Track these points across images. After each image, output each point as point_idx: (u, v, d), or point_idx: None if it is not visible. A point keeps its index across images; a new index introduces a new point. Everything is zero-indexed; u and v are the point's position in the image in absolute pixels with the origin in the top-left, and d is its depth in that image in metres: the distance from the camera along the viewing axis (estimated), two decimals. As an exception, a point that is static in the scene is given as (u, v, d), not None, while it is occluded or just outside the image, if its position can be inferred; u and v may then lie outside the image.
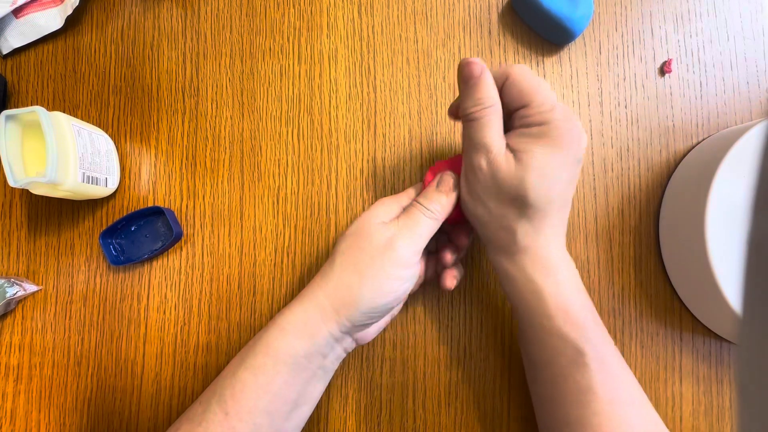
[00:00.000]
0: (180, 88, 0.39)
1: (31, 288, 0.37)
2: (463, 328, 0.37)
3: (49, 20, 0.38)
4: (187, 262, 0.37)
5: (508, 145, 0.28)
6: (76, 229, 0.38)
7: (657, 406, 0.36)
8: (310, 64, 0.39)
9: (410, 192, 0.33)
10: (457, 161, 0.32)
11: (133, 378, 0.37)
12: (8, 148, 0.31)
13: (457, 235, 0.34)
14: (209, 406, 0.28)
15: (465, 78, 0.28)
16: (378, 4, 0.39)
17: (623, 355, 0.36)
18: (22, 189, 0.36)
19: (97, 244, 0.37)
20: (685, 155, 0.38)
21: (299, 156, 0.38)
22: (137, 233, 0.38)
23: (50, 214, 0.38)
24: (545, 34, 0.38)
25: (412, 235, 0.29)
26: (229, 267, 0.37)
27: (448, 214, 0.31)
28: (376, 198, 0.38)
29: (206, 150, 0.38)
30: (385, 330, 0.36)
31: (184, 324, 0.37)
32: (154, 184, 0.38)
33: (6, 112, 0.31)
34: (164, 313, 0.37)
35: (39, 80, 0.39)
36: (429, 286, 0.37)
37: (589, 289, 0.35)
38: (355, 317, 0.28)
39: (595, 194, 0.38)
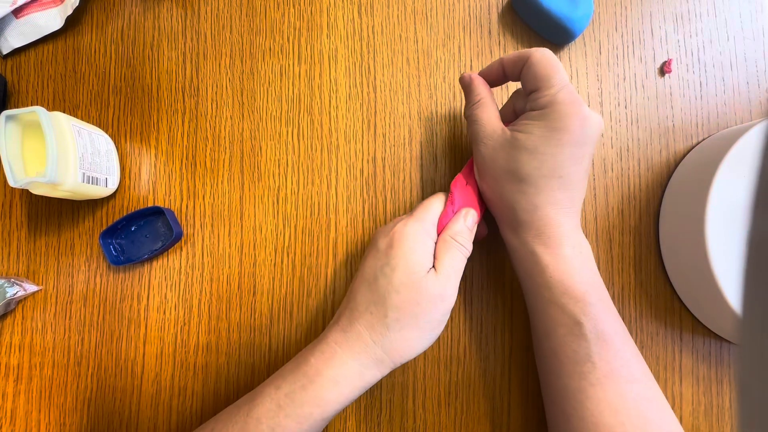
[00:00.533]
0: (180, 88, 0.39)
1: (31, 288, 0.37)
2: (463, 328, 0.37)
3: (49, 20, 0.38)
4: (187, 262, 0.37)
5: (511, 128, 0.30)
6: (76, 229, 0.38)
7: (657, 406, 0.36)
8: (310, 64, 0.39)
9: (431, 211, 0.32)
10: (469, 166, 0.34)
11: (133, 378, 0.37)
12: (8, 148, 0.31)
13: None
14: None
15: (463, 88, 0.34)
16: (378, 4, 0.39)
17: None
18: (22, 189, 0.36)
19: (97, 244, 0.37)
20: (685, 155, 0.38)
21: (299, 156, 0.38)
22: (137, 233, 0.38)
23: (50, 214, 0.38)
24: (545, 34, 0.38)
25: (457, 278, 0.30)
26: (229, 267, 0.37)
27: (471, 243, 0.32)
28: (376, 198, 0.38)
29: (206, 150, 0.38)
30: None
31: (184, 324, 0.37)
32: (154, 184, 0.38)
33: (6, 112, 0.31)
34: (164, 313, 0.37)
35: (39, 80, 0.39)
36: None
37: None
38: (408, 361, 0.30)
39: (595, 194, 0.38)
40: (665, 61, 0.39)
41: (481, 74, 0.34)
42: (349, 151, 0.38)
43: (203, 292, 0.37)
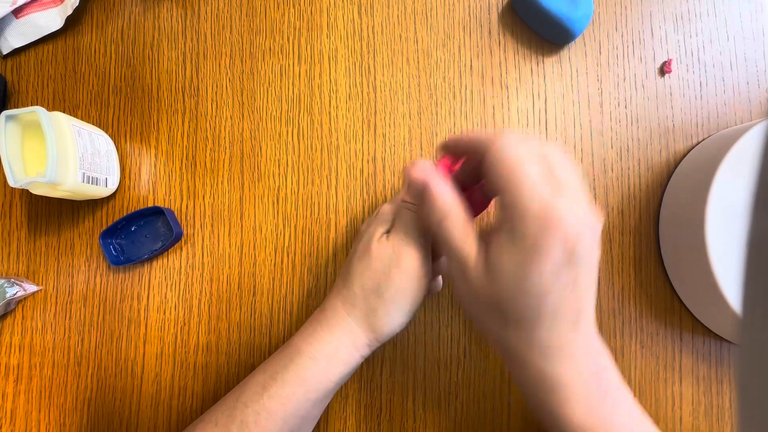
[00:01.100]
0: (180, 88, 0.39)
1: (31, 288, 0.37)
2: (463, 328, 0.37)
3: (49, 20, 0.38)
4: (187, 262, 0.37)
5: (487, 244, 0.24)
6: (76, 229, 0.38)
7: (657, 406, 0.36)
8: (310, 64, 0.39)
9: (403, 196, 0.31)
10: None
11: (133, 378, 0.37)
12: (8, 148, 0.31)
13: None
14: (228, 431, 0.28)
15: (411, 190, 0.27)
16: (378, 4, 0.39)
17: (623, 356, 0.36)
18: (22, 189, 0.36)
19: (97, 244, 0.37)
20: (685, 155, 0.38)
21: (299, 156, 0.38)
22: (137, 233, 0.38)
23: (50, 214, 0.38)
24: (545, 34, 0.38)
25: (410, 241, 0.28)
26: (229, 267, 0.37)
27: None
28: (376, 198, 0.38)
29: (206, 150, 0.38)
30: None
31: (184, 324, 0.37)
32: (154, 184, 0.38)
33: (6, 112, 0.31)
34: (164, 313, 0.37)
35: (39, 80, 0.39)
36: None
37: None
38: (384, 336, 0.29)
39: (595, 194, 0.38)
40: (665, 61, 0.39)
41: (438, 163, 0.28)
42: (349, 151, 0.38)
43: (203, 292, 0.37)
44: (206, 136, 0.38)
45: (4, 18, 0.38)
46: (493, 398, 0.36)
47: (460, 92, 0.39)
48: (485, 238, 0.24)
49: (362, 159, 0.38)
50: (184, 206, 0.38)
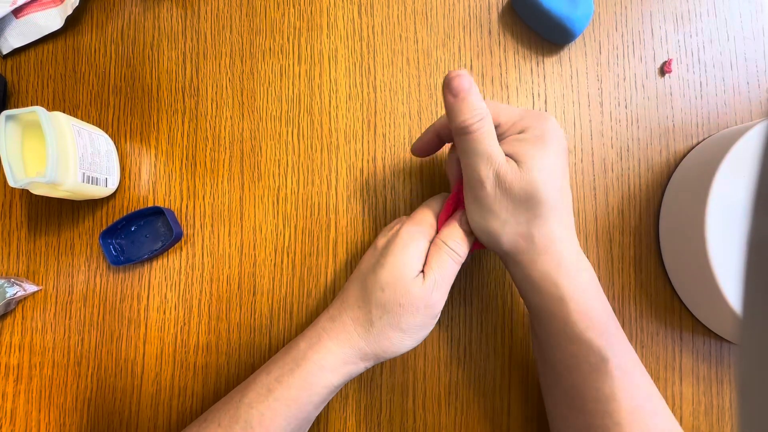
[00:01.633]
0: (180, 88, 0.39)
1: (31, 288, 0.37)
2: (463, 328, 0.37)
3: (49, 20, 0.38)
4: (187, 262, 0.37)
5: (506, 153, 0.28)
6: (76, 229, 0.38)
7: (657, 406, 0.36)
8: (310, 64, 0.39)
9: (430, 213, 0.32)
10: None
11: (133, 378, 0.37)
12: (8, 148, 0.31)
13: None
14: (231, 431, 0.28)
15: (455, 92, 0.28)
16: (378, 4, 0.39)
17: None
18: (22, 189, 0.36)
19: (97, 244, 0.37)
20: (685, 155, 0.38)
21: (299, 156, 0.38)
22: (137, 233, 0.38)
23: (50, 214, 0.38)
24: (545, 34, 0.38)
25: (446, 286, 0.29)
26: (229, 267, 0.37)
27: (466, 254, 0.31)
28: (376, 198, 0.38)
29: (206, 150, 0.38)
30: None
31: (184, 324, 0.37)
32: (154, 184, 0.38)
33: (6, 112, 0.31)
34: (164, 313, 0.37)
35: (39, 80, 0.39)
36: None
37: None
38: (392, 357, 0.30)
39: (595, 194, 0.38)
40: (665, 61, 0.39)
41: (415, 150, 0.34)
42: (349, 151, 0.38)
43: (203, 292, 0.37)
44: (206, 136, 0.38)
45: (4, 18, 0.38)
46: (493, 398, 0.36)
47: (460, 92, 0.39)
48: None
49: (362, 159, 0.38)
50: (184, 206, 0.38)
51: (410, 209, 0.38)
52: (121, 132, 0.39)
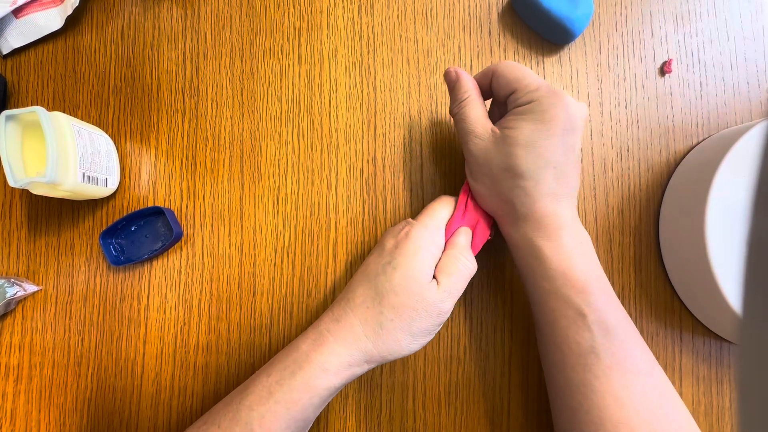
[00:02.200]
0: (180, 88, 0.39)
1: (31, 288, 0.37)
2: (463, 328, 0.37)
3: (49, 20, 0.38)
4: (187, 262, 0.37)
5: (499, 126, 0.30)
6: (76, 229, 0.38)
7: (657, 406, 0.36)
8: (310, 64, 0.39)
9: (438, 217, 0.32)
10: None
11: (133, 378, 0.37)
12: (8, 148, 0.31)
13: None
14: None
15: (448, 84, 0.33)
16: (378, 4, 0.39)
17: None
18: (22, 189, 0.36)
19: (97, 244, 0.37)
20: (685, 155, 0.38)
21: (299, 156, 0.38)
22: (137, 233, 0.38)
23: (50, 214, 0.38)
24: (545, 34, 0.38)
25: (458, 296, 0.30)
26: (229, 267, 0.37)
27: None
28: (376, 198, 0.38)
29: (206, 150, 0.38)
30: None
31: (184, 324, 0.37)
32: (154, 184, 0.38)
33: (6, 112, 0.31)
34: (164, 313, 0.37)
35: (39, 80, 0.39)
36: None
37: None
38: (396, 359, 0.31)
39: (595, 194, 0.38)
40: (665, 61, 0.39)
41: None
42: (349, 151, 0.38)
43: (203, 292, 0.37)
44: (206, 136, 0.38)
45: (4, 18, 0.38)
46: (493, 398, 0.36)
47: (460, 92, 0.39)
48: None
49: (362, 159, 0.38)
50: (184, 206, 0.38)
51: (410, 209, 0.38)
52: (121, 132, 0.39)
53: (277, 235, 0.38)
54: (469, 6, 0.39)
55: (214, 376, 0.37)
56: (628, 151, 0.38)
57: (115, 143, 0.38)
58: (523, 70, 0.31)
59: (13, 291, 0.35)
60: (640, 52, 0.39)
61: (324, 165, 0.38)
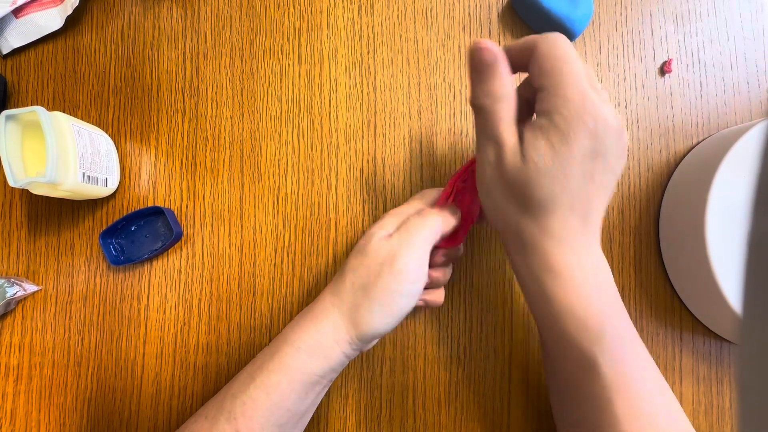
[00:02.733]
0: (180, 88, 0.39)
1: (31, 288, 0.37)
2: (463, 328, 0.37)
3: (49, 20, 0.38)
4: (187, 262, 0.37)
5: (521, 136, 0.26)
6: (76, 229, 0.38)
7: (657, 406, 0.36)
8: (310, 64, 0.39)
9: (416, 203, 0.33)
10: (473, 163, 0.32)
11: (133, 378, 0.37)
12: (8, 148, 0.31)
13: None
14: (217, 423, 0.28)
15: (475, 65, 0.26)
16: (378, 4, 0.39)
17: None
18: (22, 189, 0.36)
19: (97, 244, 0.37)
20: (685, 155, 0.38)
21: (299, 156, 0.38)
22: (137, 233, 0.38)
23: (50, 214, 0.38)
24: (545, 34, 0.38)
25: (409, 245, 0.28)
26: (229, 267, 0.37)
27: (448, 228, 0.31)
28: (376, 198, 0.38)
29: (206, 150, 0.38)
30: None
31: (184, 324, 0.37)
32: (154, 184, 0.38)
33: (6, 112, 0.31)
34: (164, 313, 0.37)
35: (39, 80, 0.39)
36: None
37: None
38: (366, 337, 0.29)
39: (595, 194, 0.38)
40: (665, 61, 0.39)
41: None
42: (349, 151, 0.38)
43: (203, 292, 0.37)
44: (206, 136, 0.38)
45: (4, 18, 0.38)
46: (493, 398, 0.36)
47: (460, 92, 0.39)
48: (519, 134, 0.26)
49: (362, 159, 0.38)
50: (184, 206, 0.38)
51: (410, 209, 0.38)
52: (121, 132, 0.39)
53: (277, 235, 0.38)
54: (469, 6, 0.39)
55: (214, 376, 0.37)
56: (628, 151, 0.38)
57: (115, 143, 0.38)
58: (563, 63, 0.24)
59: (13, 291, 0.35)
60: (640, 52, 0.39)
61: (324, 165, 0.38)
